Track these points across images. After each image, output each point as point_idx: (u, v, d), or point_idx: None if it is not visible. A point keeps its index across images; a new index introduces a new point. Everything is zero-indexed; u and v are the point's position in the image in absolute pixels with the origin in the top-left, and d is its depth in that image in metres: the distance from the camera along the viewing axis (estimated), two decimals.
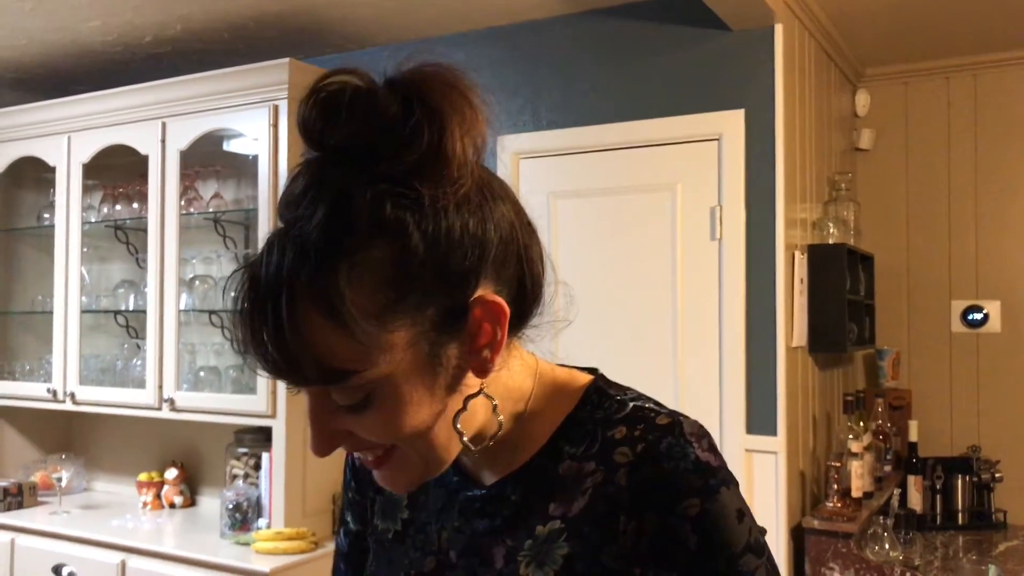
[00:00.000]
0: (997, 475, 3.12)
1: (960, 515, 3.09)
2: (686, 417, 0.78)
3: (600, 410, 0.79)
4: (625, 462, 0.75)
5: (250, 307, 0.66)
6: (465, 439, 0.75)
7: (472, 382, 0.73)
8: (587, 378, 0.83)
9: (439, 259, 0.67)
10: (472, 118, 0.69)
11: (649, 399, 0.81)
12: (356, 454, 0.76)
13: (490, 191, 0.72)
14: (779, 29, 2.61)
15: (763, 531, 0.78)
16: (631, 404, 0.79)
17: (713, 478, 0.73)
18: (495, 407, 0.77)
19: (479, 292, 0.70)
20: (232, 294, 0.68)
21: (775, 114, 2.61)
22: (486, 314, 0.70)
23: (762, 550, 0.75)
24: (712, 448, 0.76)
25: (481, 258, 0.70)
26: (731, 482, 0.75)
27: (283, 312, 0.64)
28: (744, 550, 0.73)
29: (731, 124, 2.66)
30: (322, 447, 0.72)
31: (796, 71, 2.77)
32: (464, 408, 0.73)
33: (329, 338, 0.65)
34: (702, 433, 0.76)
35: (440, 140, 0.66)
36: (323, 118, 0.68)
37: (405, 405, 0.69)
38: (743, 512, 0.75)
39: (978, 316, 3.35)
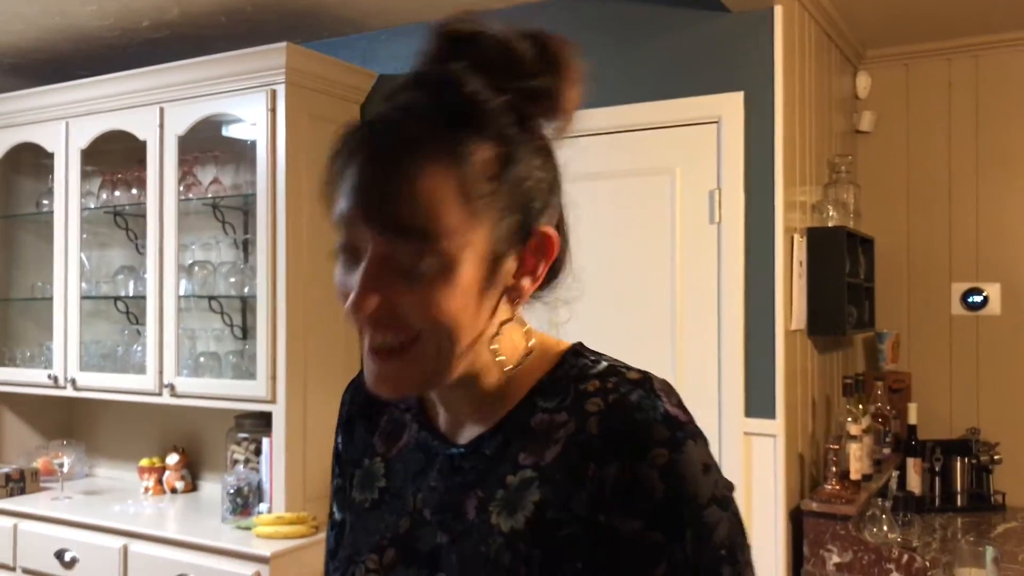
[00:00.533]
0: (996, 457, 3.13)
1: (959, 497, 3.10)
2: (655, 375, 0.80)
3: (575, 367, 0.82)
4: (596, 411, 0.77)
5: (369, 149, 0.72)
6: (501, 358, 0.80)
7: (504, 309, 0.79)
8: (567, 344, 0.86)
9: (528, 181, 0.76)
10: (579, 80, 0.79)
11: (623, 362, 0.83)
12: (368, 341, 0.76)
13: (557, 157, 0.81)
14: (779, 10, 2.60)
15: (731, 487, 0.78)
16: (604, 363, 0.82)
17: (681, 431, 0.75)
18: (499, 356, 0.81)
19: (541, 226, 0.78)
20: (338, 144, 0.75)
21: (774, 96, 2.60)
22: (539, 245, 0.78)
23: (727, 504, 0.76)
24: (680, 404, 0.78)
25: (549, 200, 0.79)
26: (698, 437, 0.77)
27: (405, 156, 0.71)
28: (709, 501, 0.74)
29: (730, 107, 2.65)
30: (360, 306, 0.72)
31: (796, 53, 2.75)
32: (498, 332, 0.79)
33: (440, 192, 0.71)
34: (671, 390, 0.79)
35: (559, 86, 0.77)
36: (460, 41, 0.76)
37: (454, 289, 0.73)
38: (709, 465, 0.76)
39: (978, 299, 3.34)
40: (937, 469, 3.11)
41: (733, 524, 0.76)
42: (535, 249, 0.78)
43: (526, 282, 0.78)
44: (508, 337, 0.81)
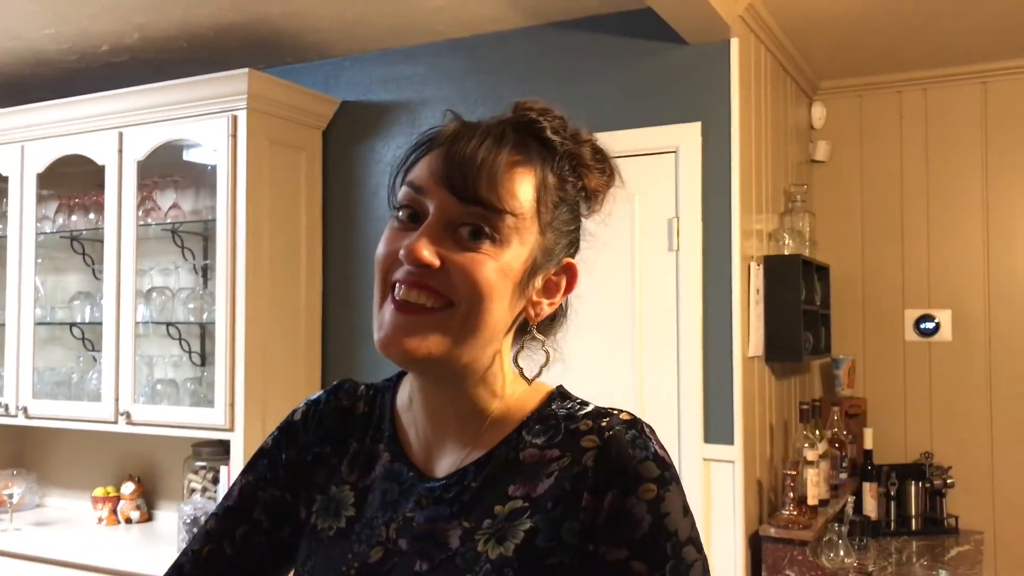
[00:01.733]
0: (949, 481, 3.19)
1: (913, 521, 3.15)
2: (612, 414, 0.87)
3: (563, 408, 0.88)
4: (592, 447, 0.83)
5: (467, 132, 0.84)
6: (524, 372, 0.89)
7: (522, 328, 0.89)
8: (551, 386, 0.92)
9: (570, 219, 0.88)
10: (607, 200, 0.93)
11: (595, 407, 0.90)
12: (401, 294, 0.81)
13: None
14: (735, 43, 2.65)
15: (699, 539, 0.84)
16: (591, 406, 0.89)
17: (668, 472, 0.82)
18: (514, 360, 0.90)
19: (569, 259, 0.90)
20: (441, 124, 0.87)
21: (731, 127, 2.65)
22: (564, 274, 0.89)
23: (700, 548, 0.82)
24: (664, 449, 0.85)
25: (576, 240, 0.91)
26: (678, 480, 0.84)
27: (501, 144, 0.83)
28: (687, 541, 0.80)
29: (688, 136, 2.69)
30: (417, 255, 0.79)
31: (752, 84, 2.81)
32: (521, 347, 0.89)
33: (520, 180, 0.83)
34: (656, 434, 0.86)
35: (606, 185, 0.92)
36: (543, 109, 0.89)
37: (496, 268, 0.81)
38: (687, 509, 0.83)
39: (930, 325, 3.42)
40: (892, 493, 3.16)
41: (706, 570, 0.82)
42: (560, 276, 0.89)
43: (545, 304, 0.88)
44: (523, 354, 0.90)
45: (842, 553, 2.58)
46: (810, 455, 2.70)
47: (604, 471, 0.81)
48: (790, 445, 2.99)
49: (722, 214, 2.65)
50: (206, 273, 3.33)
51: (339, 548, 0.89)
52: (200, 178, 3.23)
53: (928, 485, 3.19)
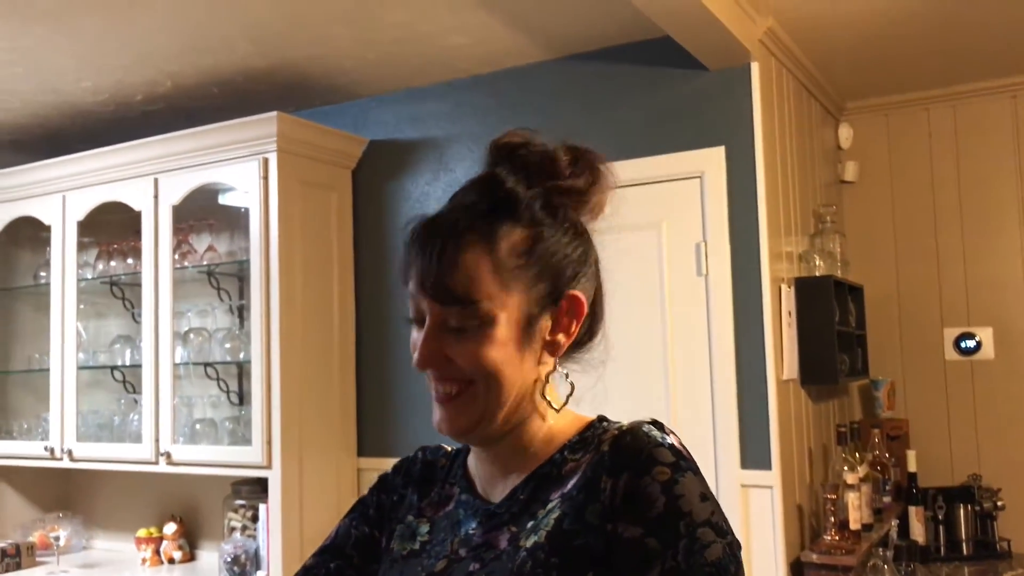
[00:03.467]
0: (999, 503, 3.10)
1: (964, 545, 3.07)
2: (640, 425, 0.93)
3: (600, 429, 0.96)
4: (609, 437, 0.91)
5: (427, 237, 0.91)
6: (554, 404, 0.96)
7: (547, 363, 0.95)
8: (592, 416, 1.00)
9: (556, 256, 0.93)
10: (608, 189, 0.97)
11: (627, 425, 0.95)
12: (434, 390, 0.94)
13: (592, 241, 0.99)
14: (755, 67, 2.66)
15: (736, 542, 0.85)
16: (627, 423, 0.95)
17: (684, 461, 0.87)
18: (544, 398, 0.96)
19: (571, 290, 0.94)
20: (408, 232, 0.93)
21: (755, 150, 2.65)
22: (570, 307, 0.94)
23: (724, 533, 0.84)
24: (684, 447, 0.90)
25: (578, 274, 0.95)
26: (698, 473, 0.88)
27: (451, 242, 0.89)
28: (704, 523, 0.83)
29: (712, 161, 2.69)
30: (425, 360, 0.92)
31: (775, 107, 2.81)
32: (547, 381, 0.95)
33: (477, 268, 0.89)
34: (679, 437, 0.91)
35: (589, 188, 0.96)
36: (508, 150, 0.95)
37: (497, 343, 0.90)
38: (707, 496, 0.86)
39: (971, 343, 3.35)
40: (940, 517, 3.08)
41: (728, 555, 0.82)
42: (567, 310, 0.94)
43: (561, 338, 0.94)
44: (552, 386, 0.96)
45: None
46: (850, 478, 2.65)
47: (619, 454, 0.88)
48: (830, 469, 2.94)
49: (750, 237, 2.64)
50: (242, 313, 3.38)
51: (411, 564, 0.99)
52: (234, 220, 3.29)
53: (978, 508, 3.10)
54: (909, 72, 3.27)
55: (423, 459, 1.10)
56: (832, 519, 2.61)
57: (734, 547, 0.84)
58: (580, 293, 0.94)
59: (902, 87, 3.42)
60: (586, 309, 0.95)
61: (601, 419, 0.98)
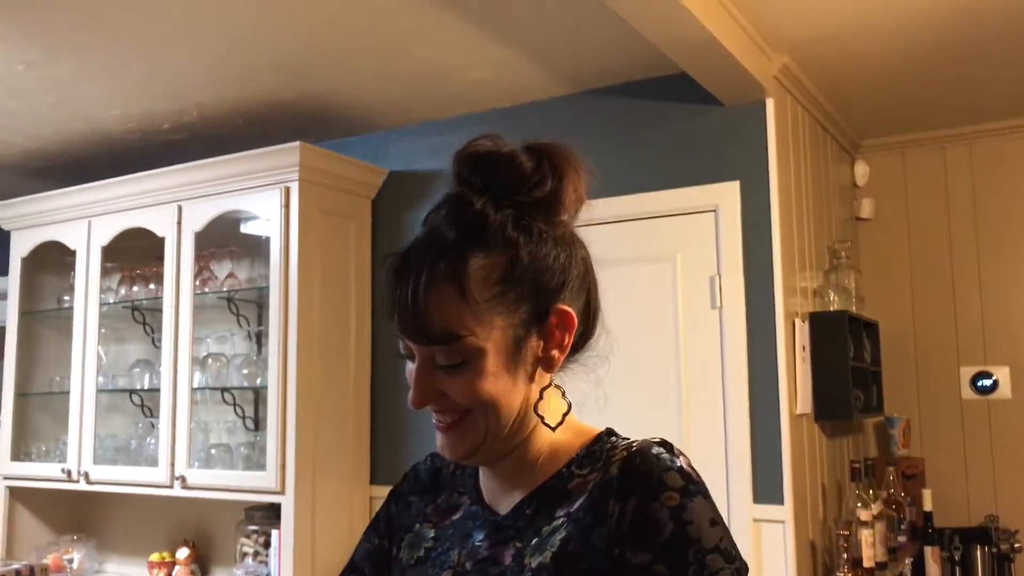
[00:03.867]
0: (1016, 545, 3.07)
1: None
2: (650, 443, 0.92)
3: (609, 443, 0.94)
4: (618, 459, 0.89)
5: (397, 279, 0.88)
6: (548, 421, 0.94)
7: (543, 378, 0.93)
8: (600, 429, 0.98)
9: (536, 273, 0.89)
10: (579, 183, 0.93)
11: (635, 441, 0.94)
12: (435, 419, 0.93)
13: (576, 239, 0.95)
14: (771, 103, 2.69)
15: (744, 565, 0.85)
16: (635, 439, 0.94)
17: (693, 485, 0.86)
18: (539, 414, 0.94)
19: (558, 305, 0.91)
20: (383, 274, 0.91)
21: (769, 185, 2.67)
22: (560, 322, 0.91)
23: (732, 559, 0.84)
24: (694, 469, 0.89)
25: (564, 282, 0.91)
26: (708, 496, 0.87)
27: (421, 284, 0.86)
28: (713, 550, 0.83)
29: (727, 195, 2.72)
30: (418, 399, 0.90)
31: (790, 143, 2.84)
32: (541, 397, 0.93)
33: (451, 307, 0.86)
34: (688, 458, 0.90)
35: (557, 189, 0.91)
36: (474, 163, 0.91)
37: (488, 374, 0.88)
38: (716, 521, 0.85)
39: (987, 382, 3.33)
40: (957, 558, 3.05)
41: None
42: (557, 325, 0.91)
43: (555, 353, 0.92)
44: (548, 400, 0.94)
45: None
46: (863, 515, 2.64)
47: (628, 478, 0.86)
48: (843, 505, 2.92)
49: (764, 271, 2.66)
50: (260, 339, 3.42)
51: (419, 572, 0.98)
52: (255, 248, 3.35)
53: (995, 550, 3.07)
54: (925, 111, 3.29)
55: (432, 465, 1.09)
56: (845, 556, 2.59)
57: (742, 572, 0.84)
58: (567, 306, 0.91)
59: (918, 125, 3.45)
60: (576, 319, 0.92)
61: (609, 432, 0.97)
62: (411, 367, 0.92)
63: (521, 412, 0.92)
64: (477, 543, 0.95)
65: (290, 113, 3.22)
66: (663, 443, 0.90)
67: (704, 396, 2.69)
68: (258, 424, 3.40)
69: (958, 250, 3.44)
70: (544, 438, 0.95)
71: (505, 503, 0.96)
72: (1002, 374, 3.32)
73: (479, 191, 0.90)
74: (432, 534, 1.02)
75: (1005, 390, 3.31)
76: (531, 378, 0.92)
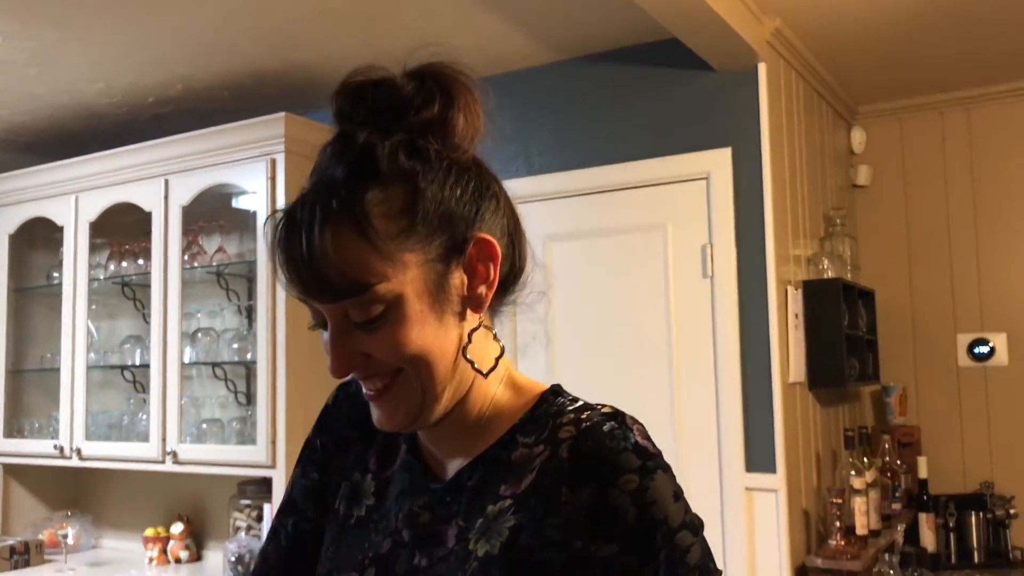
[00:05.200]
0: (1012, 511, 3.06)
1: (975, 553, 3.02)
2: (628, 413, 0.85)
3: (555, 406, 0.86)
4: (568, 437, 0.82)
5: (288, 234, 0.78)
6: (476, 366, 0.84)
7: (472, 319, 0.84)
8: (546, 386, 0.90)
9: (444, 202, 0.80)
10: (472, 102, 0.84)
11: (592, 406, 0.86)
12: (363, 389, 0.84)
13: (484, 168, 0.86)
14: (763, 69, 2.64)
15: (701, 521, 0.82)
16: (582, 401, 0.87)
17: (651, 460, 0.80)
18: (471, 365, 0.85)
19: (476, 233, 0.82)
20: (269, 233, 0.80)
21: (762, 152, 2.63)
22: (481, 252, 0.82)
23: (697, 530, 0.80)
24: (649, 439, 0.82)
25: (478, 210, 0.83)
26: (667, 468, 0.81)
27: (315, 232, 0.76)
28: (681, 526, 0.79)
29: (719, 163, 2.68)
30: (340, 367, 0.81)
31: (783, 109, 2.79)
32: (470, 341, 0.83)
33: (354, 252, 0.77)
34: (642, 426, 0.83)
35: (446, 110, 0.82)
36: (351, 98, 0.82)
37: (413, 323, 0.79)
38: (678, 494, 0.80)
39: (984, 349, 3.31)
40: (951, 524, 3.04)
41: (705, 551, 0.80)
42: (478, 256, 0.82)
43: (482, 289, 0.83)
44: (478, 345, 0.85)
45: None
46: (857, 483, 2.62)
47: (581, 463, 0.80)
48: (837, 474, 2.91)
49: (756, 239, 2.62)
50: (251, 314, 3.39)
51: (359, 536, 0.91)
52: (243, 221, 3.31)
53: (990, 516, 3.06)
54: (921, 75, 3.24)
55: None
56: (838, 524, 2.58)
57: (705, 540, 0.81)
58: (486, 234, 0.82)
59: (915, 90, 3.40)
60: (499, 249, 0.83)
61: (554, 392, 0.89)
62: (326, 336, 0.82)
63: (457, 362, 0.83)
64: (416, 508, 0.88)
65: (276, 84, 3.17)
66: (614, 414, 0.83)
67: (696, 365, 2.67)
68: (250, 399, 3.39)
69: (955, 216, 3.40)
70: (485, 395, 0.87)
71: (444, 466, 0.89)
72: (999, 341, 3.29)
73: (362, 124, 0.81)
74: (372, 488, 0.94)
75: (1002, 357, 3.29)
76: (460, 320, 0.83)
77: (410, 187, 0.79)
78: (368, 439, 0.97)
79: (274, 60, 2.96)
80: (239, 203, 3.31)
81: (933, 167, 3.45)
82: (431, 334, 0.80)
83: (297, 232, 0.77)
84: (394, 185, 0.79)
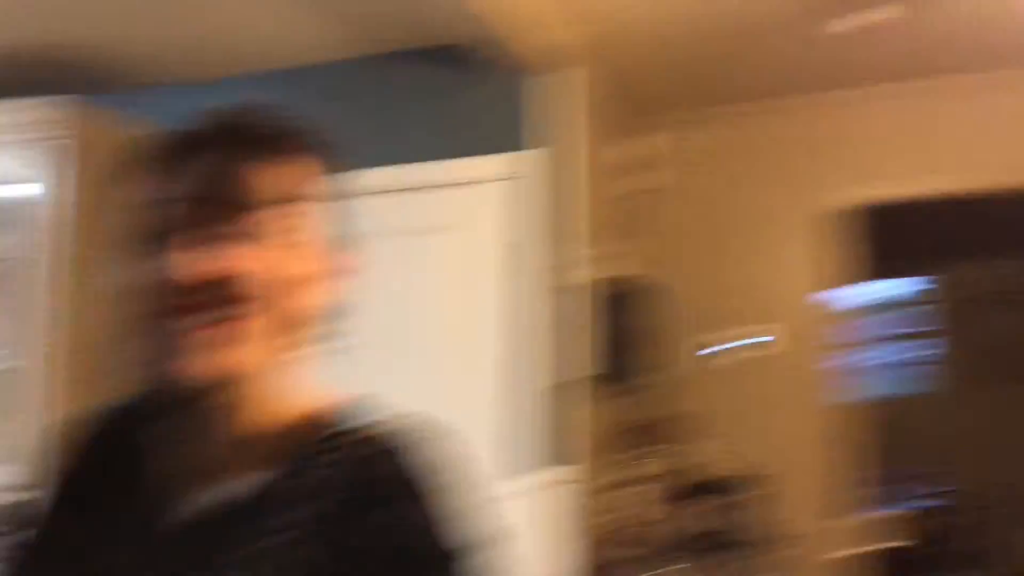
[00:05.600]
0: (775, 491, 3.30)
1: (745, 533, 3.25)
2: (415, 426, 0.85)
3: (343, 421, 0.84)
4: (351, 459, 0.81)
5: (218, 141, 0.84)
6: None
7: (293, 341, 0.82)
8: (337, 395, 0.87)
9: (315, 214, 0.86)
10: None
11: (390, 418, 0.86)
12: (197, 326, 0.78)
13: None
14: (569, 73, 2.73)
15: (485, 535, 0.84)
16: (369, 417, 0.85)
17: (426, 481, 0.81)
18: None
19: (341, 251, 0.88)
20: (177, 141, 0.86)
21: (567, 155, 2.71)
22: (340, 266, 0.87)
23: (470, 548, 0.81)
24: (433, 455, 0.83)
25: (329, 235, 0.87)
26: (443, 488, 0.82)
27: (246, 151, 0.83)
28: (464, 544, 0.80)
29: (524, 165, 2.72)
30: (194, 267, 0.77)
31: (583, 113, 2.88)
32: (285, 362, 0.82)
33: (263, 180, 0.81)
34: (426, 441, 0.83)
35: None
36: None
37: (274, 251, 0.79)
38: (454, 513, 0.81)
39: (758, 341, 3.58)
40: (726, 508, 3.25)
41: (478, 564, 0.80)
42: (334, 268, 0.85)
43: (315, 295, 0.83)
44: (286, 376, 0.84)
45: (677, 569, 2.64)
46: (636, 474, 2.75)
47: (356, 487, 0.79)
48: (620, 465, 3.05)
49: (557, 240, 2.70)
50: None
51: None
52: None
53: (759, 496, 3.30)
54: (717, 87, 3.45)
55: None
56: (621, 515, 2.70)
57: (486, 544, 0.83)
58: (348, 256, 0.92)
59: (716, 100, 3.61)
60: (352, 268, 0.92)
61: (345, 403, 0.87)
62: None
63: (288, 326, 0.82)
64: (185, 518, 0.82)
65: (59, 66, 2.93)
66: (394, 432, 0.83)
67: (477, 364, 2.70)
68: None
69: (743, 218, 3.67)
70: (274, 408, 0.84)
71: (212, 484, 0.82)
72: (772, 332, 3.58)
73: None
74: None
75: (777, 347, 3.57)
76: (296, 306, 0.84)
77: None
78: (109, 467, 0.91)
79: (55, 37, 2.74)
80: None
81: (726, 172, 3.70)
82: (282, 272, 0.81)
83: (223, 144, 0.85)
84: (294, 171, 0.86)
